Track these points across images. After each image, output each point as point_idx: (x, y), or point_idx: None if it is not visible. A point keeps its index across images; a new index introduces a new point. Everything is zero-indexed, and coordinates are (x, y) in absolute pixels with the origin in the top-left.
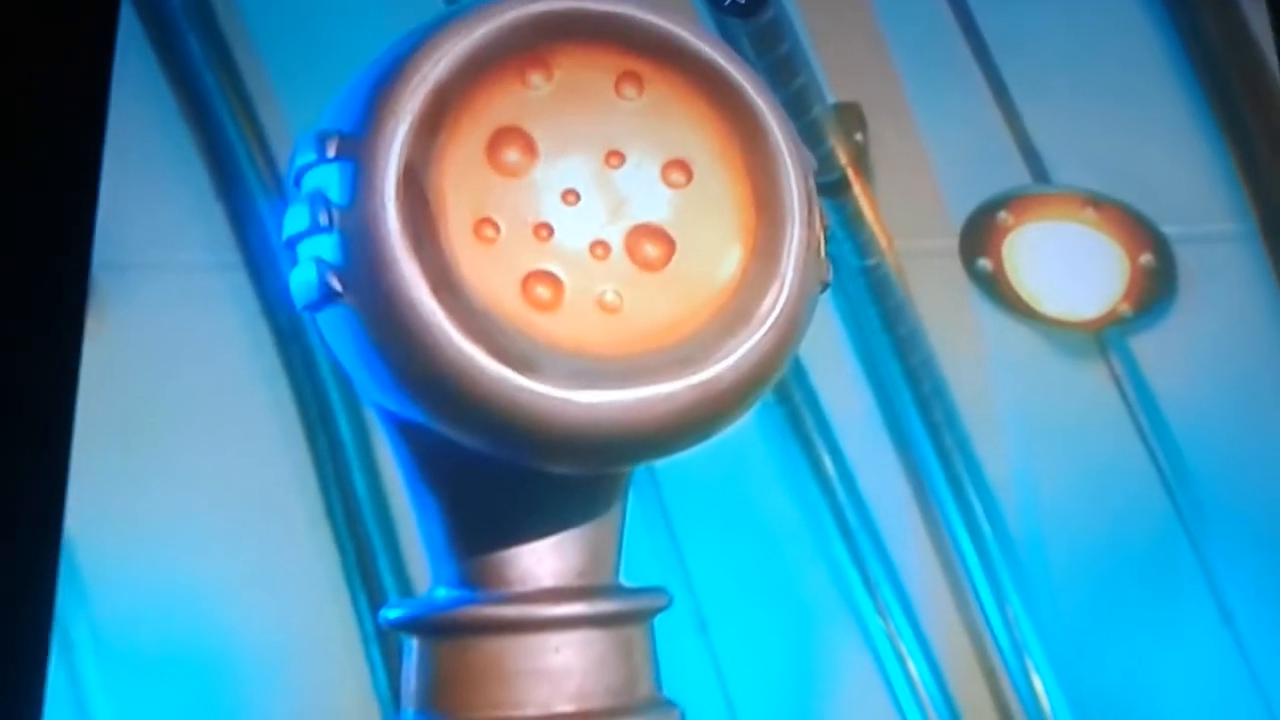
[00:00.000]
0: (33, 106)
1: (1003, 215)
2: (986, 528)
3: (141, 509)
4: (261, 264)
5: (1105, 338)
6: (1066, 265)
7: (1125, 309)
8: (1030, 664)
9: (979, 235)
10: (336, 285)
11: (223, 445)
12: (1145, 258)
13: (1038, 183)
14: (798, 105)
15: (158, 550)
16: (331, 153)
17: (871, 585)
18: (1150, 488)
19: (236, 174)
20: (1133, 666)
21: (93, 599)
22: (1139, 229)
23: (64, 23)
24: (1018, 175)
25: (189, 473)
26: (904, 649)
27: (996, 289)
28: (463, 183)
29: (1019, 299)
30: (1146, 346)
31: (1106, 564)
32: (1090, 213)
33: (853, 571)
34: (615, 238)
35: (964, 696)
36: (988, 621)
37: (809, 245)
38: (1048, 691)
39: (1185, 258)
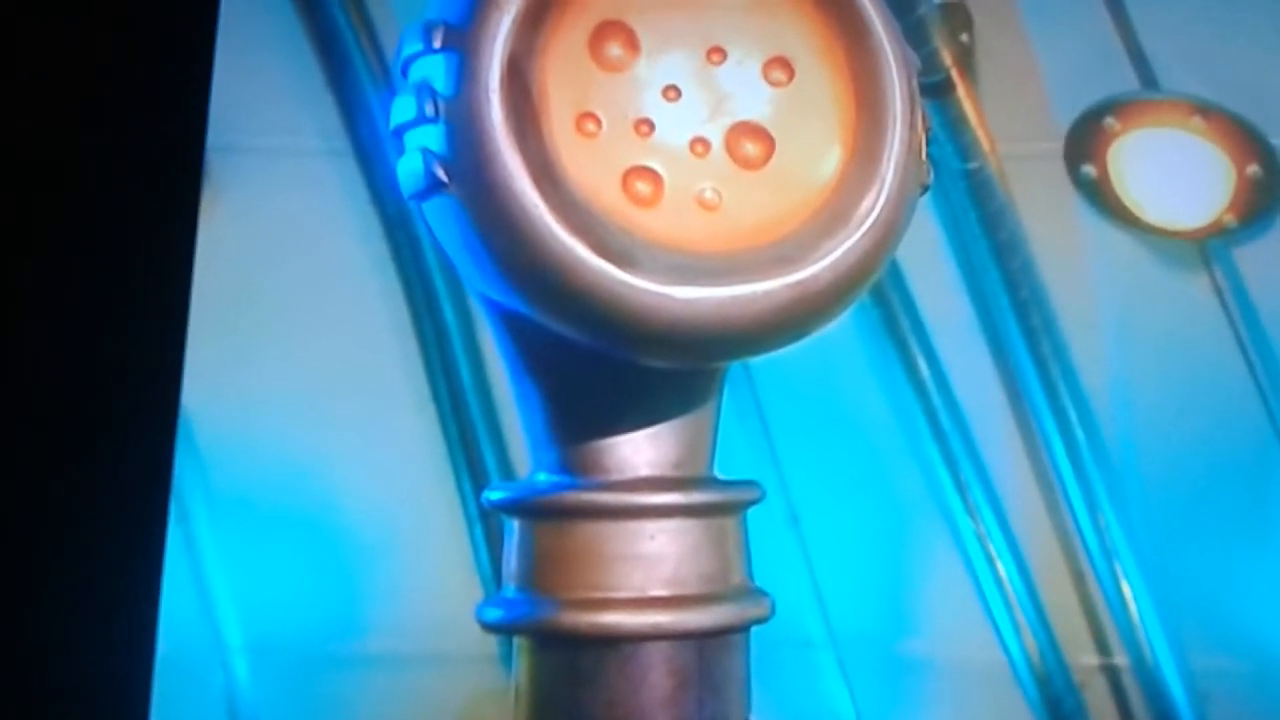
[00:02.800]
0: None
1: (1109, 121)
2: (1080, 433)
3: (254, 385)
4: (370, 151)
5: (1208, 248)
6: (1172, 174)
7: (1230, 219)
8: (1119, 569)
9: (1084, 141)
10: (442, 175)
11: (332, 327)
12: (1252, 169)
13: (1145, 89)
14: (903, 4)
15: (270, 425)
16: (438, 43)
17: (962, 486)
18: (1247, 400)
19: (346, 62)
20: (1222, 575)
21: (208, 470)
22: (1247, 139)
23: None
24: (1125, 81)
25: (300, 352)
26: (993, 549)
27: (1100, 196)
28: (565, 76)
29: (1122, 206)
30: (1250, 258)
31: (1199, 473)
32: (1198, 121)
33: (944, 472)
34: (715, 135)
35: (1051, 598)
36: (1078, 525)
37: (910, 147)
38: (1135, 597)
39: None
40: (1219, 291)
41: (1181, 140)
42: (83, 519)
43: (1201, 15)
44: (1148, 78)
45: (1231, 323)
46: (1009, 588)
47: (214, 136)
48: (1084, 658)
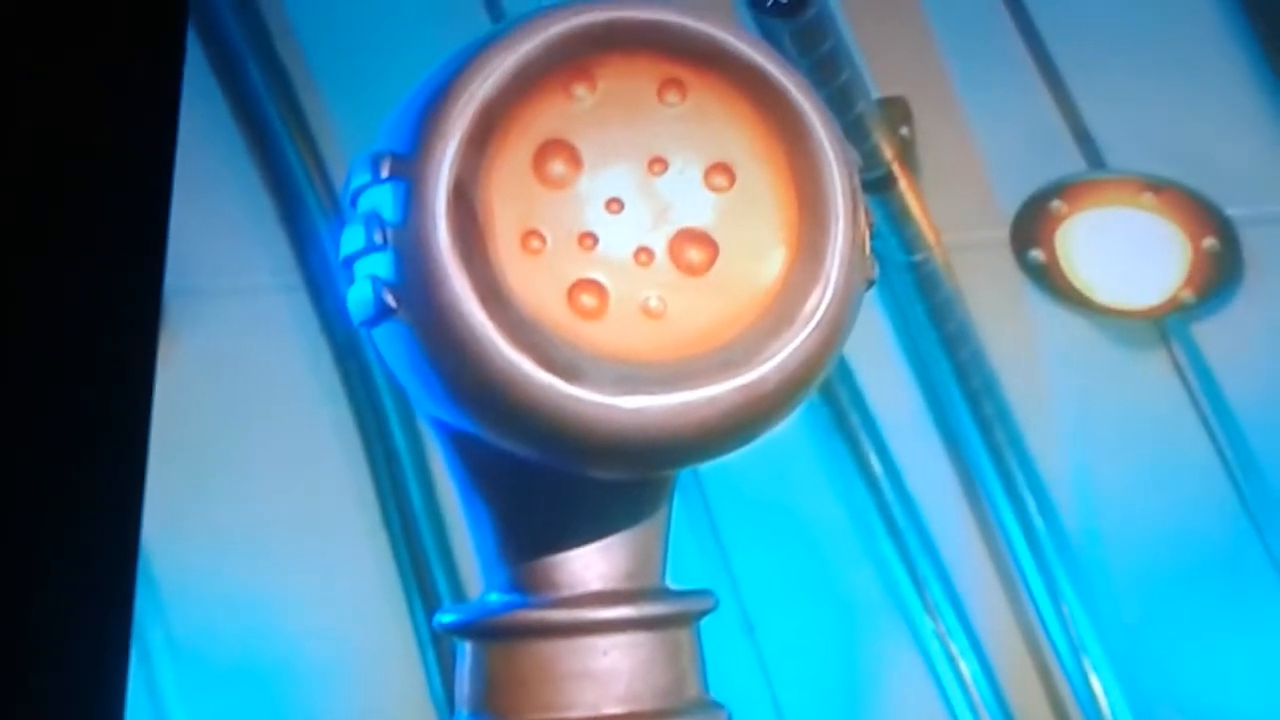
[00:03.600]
0: (104, 140)
1: (1056, 204)
2: (1040, 524)
3: (212, 522)
4: (321, 283)
5: (1166, 326)
6: (1124, 253)
7: (1187, 295)
8: (1088, 663)
9: (1031, 226)
10: (391, 301)
11: (287, 460)
12: (1209, 241)
13: (1093, 169)
14: (842, 102)
15: (228, 561)
16: (385, 173)
17: (920, 584)
18: (1215, 480)
19: (297, 198)
20: (1199, 664)
21: (168, 608)
22: (1201, 212)
23: (132, 58)
24: (1071, 162)
25: (256, 487)
26: (955, 649)
27: (1049, 280)
28: (510, 196)
29: (1073, 289)
30: (1210, 334)
31: (1169, 560)
32: (1149, 197)
33: (901, 570)
34: (659, 244)
35: (1018, 697)
36: (1042, 620)
37: (853, 244)
38: (1107, 692)
39: (1251, 240)
40: (1179, 369)
41: (1132, 218)
42: (44, 665)
43: (1148, 91)
44: (1094, 158)
45: (1194, 401)
46: (973, 688)
47: (171, 280)
48: None
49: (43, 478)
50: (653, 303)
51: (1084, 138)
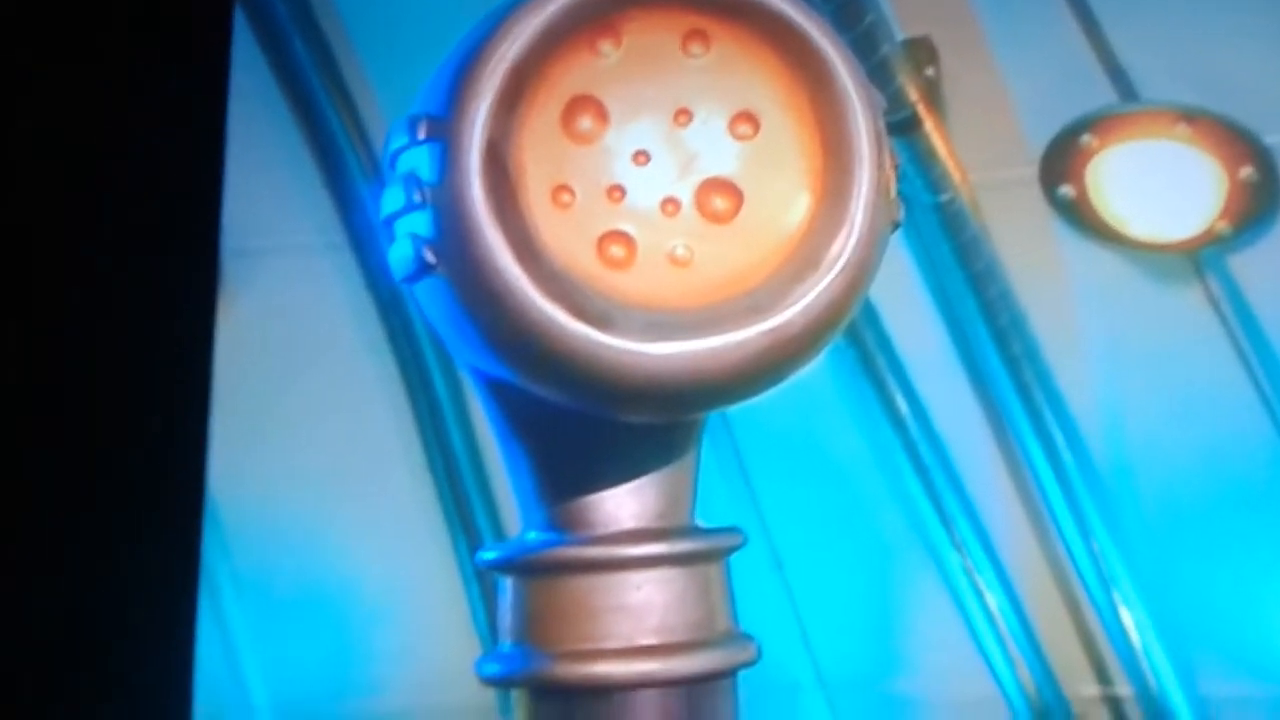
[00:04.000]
0: (161, 115)
1: (1086, 138)
2: (1069, 459)
3: (270, 466)
4: (365, 243)
5: (1201, 258)
6: (1157, 186)
7: (1223, 227)
8: (1117, 595)
9: (1061, 161)
10: (430, 258)
11: (337, 408)
12: (1245, 171)
13: (1125, 101)
14: (866, 45)
15: (285, 503)
16: (422, 135)
17: (947, 520)
18: (1251, 411)
19: (340, 162)
20: (1233, 595)
21: (232, 546)
22: (1238, 141)
23: (185, 36)
24: (1103, 96)
25: (309, 434)
26: (982, 582)
27: (1079, 216)
28: (540, 153)
29: (1104, 224)
30: (1247, 264)
31: (1203, 490)
32: (1183, 128)
33: (927, 506)
34: (685, 194)
35: (1045, 629)
36: (1070, 553)
37: (878, 187)
38: (1136, 623)
39: None
40: (1214, 302)
41: (1166, 150)
42: (125, 599)
43: (1180, 20)
44: (1126, 90)
45: (1230, 333)
46: (1000, 621)
47: (227, 242)
48: (1083, 689)
49: (114, 428)
50: (680, 251)
51: (1116, 70)
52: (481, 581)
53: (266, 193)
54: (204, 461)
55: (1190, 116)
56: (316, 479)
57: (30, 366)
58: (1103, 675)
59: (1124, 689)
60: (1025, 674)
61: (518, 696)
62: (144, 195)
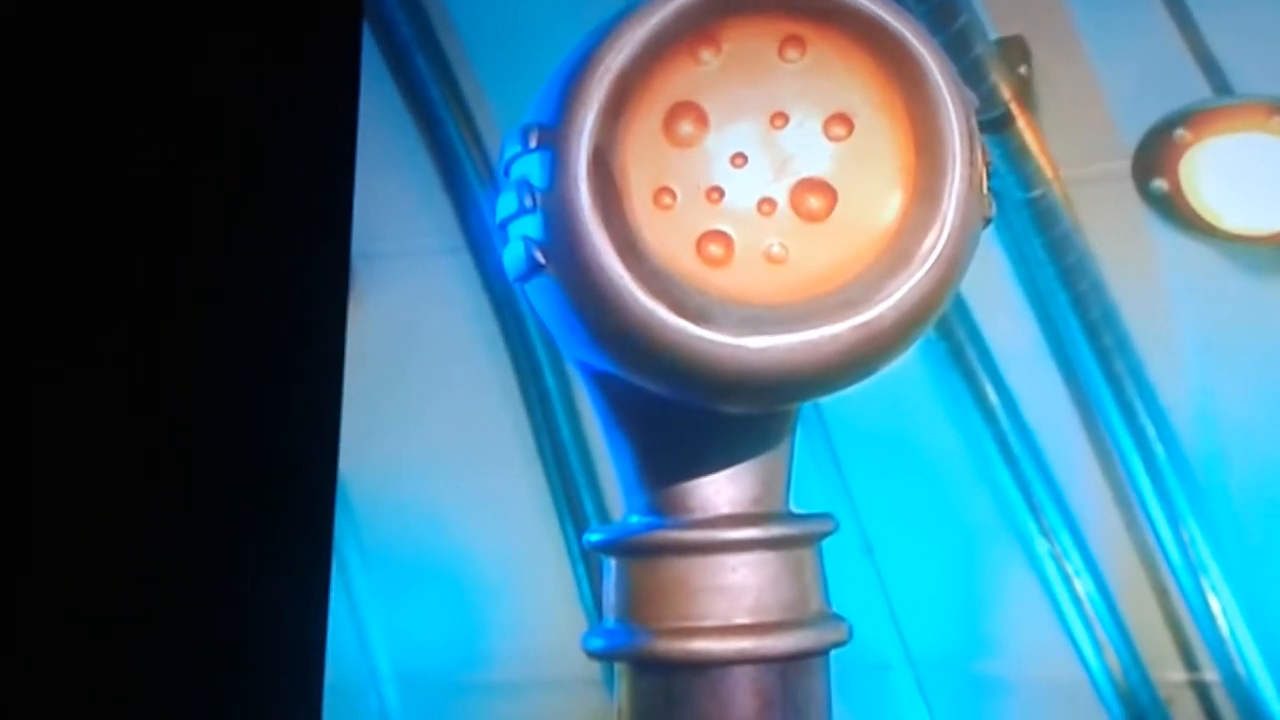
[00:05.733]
0: (297, 127)
1: (1180, 133)
2: (1159, 449)
3: (395, 453)
4: (481, 245)
5: None
6: (1250, 178)
7: None
8: (1206, 583)
9: (1154, 156)
10: (540, 258)
11: (457, 399)
12: None
13: (1218, 95)
14: (959, 45)
15: (409, 485)
16: (533, 143)
17: (1036, 508)
18: None
19: (459, 170)
20: None
21: (361, 527)
22: None
23: (317, 54)
24: (1196, 89)
25: (430, 423)
26: (1070, 568)
27: (1173, 209)
28: (643, 158)
29: (1198, 217)
30: None
31: None
32: (1277, 121)
33: (1016, 495)
34: (780, 194)
35: (1133, 614)
36: (1159, 541)
37: (970, 183)
38: (1224, 610)
39: None
40: None
41: (1261, 143)
42: (262, 573)
43: (1275, 12)
44: (1220, 84)
45: None
46: (1088, 605)
47: (357, 245)
48: (1170, 673)
49: (256, 420)
50: (775, 249)
51: (1209, 64)
52: (588, 562)
53: (391, 199)
54: (336, 447)
55: None
56: (436, 464)
57: (173, 362)
58: (1190, 661)
59: (1211, 674)
60: (1113, 658)
61: (620, 670)
62: (281, 202)
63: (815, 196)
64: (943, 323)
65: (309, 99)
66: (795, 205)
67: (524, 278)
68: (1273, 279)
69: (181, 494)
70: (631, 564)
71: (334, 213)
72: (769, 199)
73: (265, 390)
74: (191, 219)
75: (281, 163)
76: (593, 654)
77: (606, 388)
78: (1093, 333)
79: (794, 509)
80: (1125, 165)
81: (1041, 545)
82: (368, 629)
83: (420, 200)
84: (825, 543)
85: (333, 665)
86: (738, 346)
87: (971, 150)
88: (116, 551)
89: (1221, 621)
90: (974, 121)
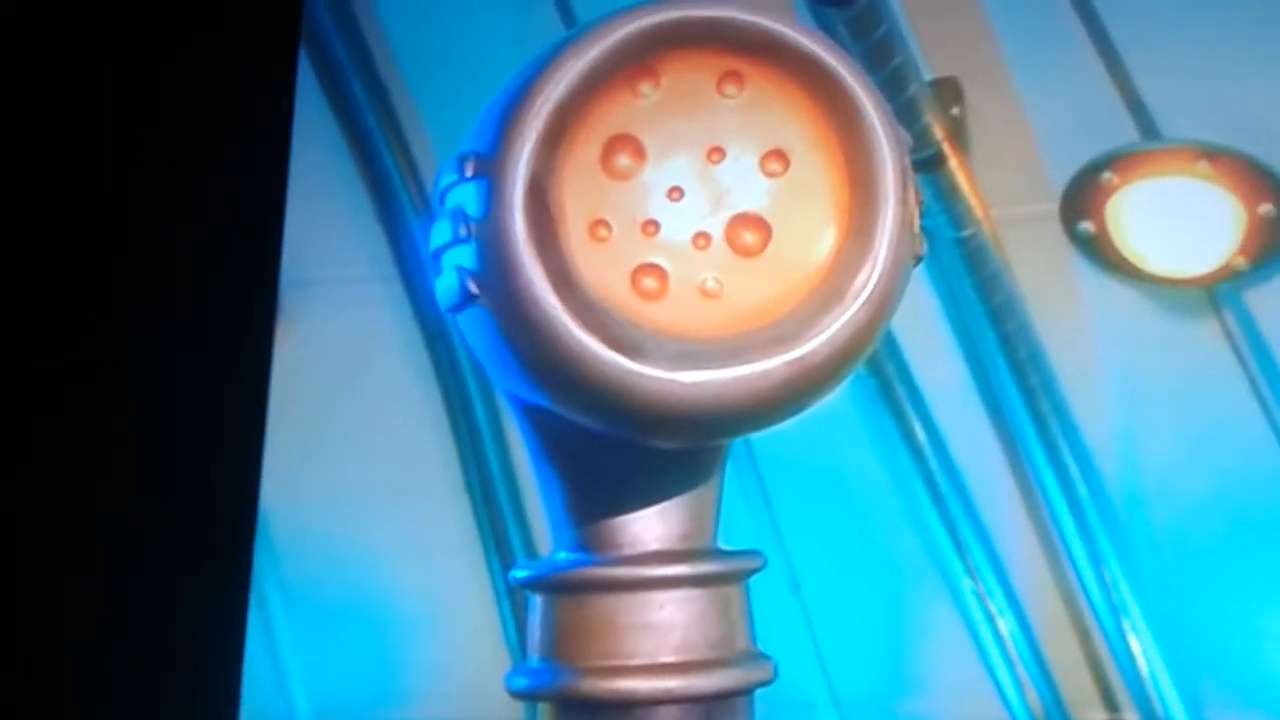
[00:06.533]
0: (228, 152)
1: (1107, 175)
2: (1082, 489)
3: (319, 484)
4: (414, 275)
5: (1217, 294)
6: (1176, 222)
7: (1240, 262)
8: (1128, 625)
9: (1081, 198)
10: (474, 289)
11: (385, 431)
12: (1265, 208)
13: (1146, 139)
14: (894, 85)
15: (333, 519)
16: (469, 172)
17: (961, 546)
18: (1265, 445)
19: (393, 198)
20: (1243, 627)
21: (281, 560)
22: (1258, 178)
23: (250, 79)
24: (1125, 133)
25: (356, 454)
26: (994, 608)
27: (1099, 251)
28: (580, 189)
29: (1123, 259)
30: (1264, 300)
31: (1215, 526)
32: (1204, 165)
33: (943, 534)
34: (716, 228)
35: (1055, 655)
36: (1082, 582)
37: (903, 222)
38: (1145, 652)
39: None
40: (1229, 336)
41: (1186, 187)
42: (178, 608)
43: (1203, 58)
44: (1148, 127)
45: (1245, 368)
46: (1011, 646)
47: (287, 273)
48: (1091, 714)
49: (174, 447)
50: (710, 284)
51: (1138, 108)
52: (513, 598)
53: (324, 226)
54: (258, 477)
55: (1211, 154)
56: (361, 496)
57: (96, 386)
58: (1110, 702)
59: (1131, 716)
60: (1034, 698)
61: (544, 710)
62: (211, 226)
63: (750, 232)
64: (873, 360)
65: (242, 122)
66: (730, 240)
67: (457, 308)
68: (1197, 321)
69: (95, 523)
70: (558, 601)
71: (264, 239)
72: (704, 233)
73: (187, 420)
74: (118, 241)
75: (212, 187)
76: (516, 693)
77: (537, 421)
78: (1019, 372)
79: (722, 545)
80: (1054, 207)
81: (966, 584)
82: (285, 667)
83: (353, 228)
84: (752, 580)
85: (248, 704)
86: (670, 381)
87: (905, 189)
88: (23, 586)
89: (1142, 662)
90: (908, 161)
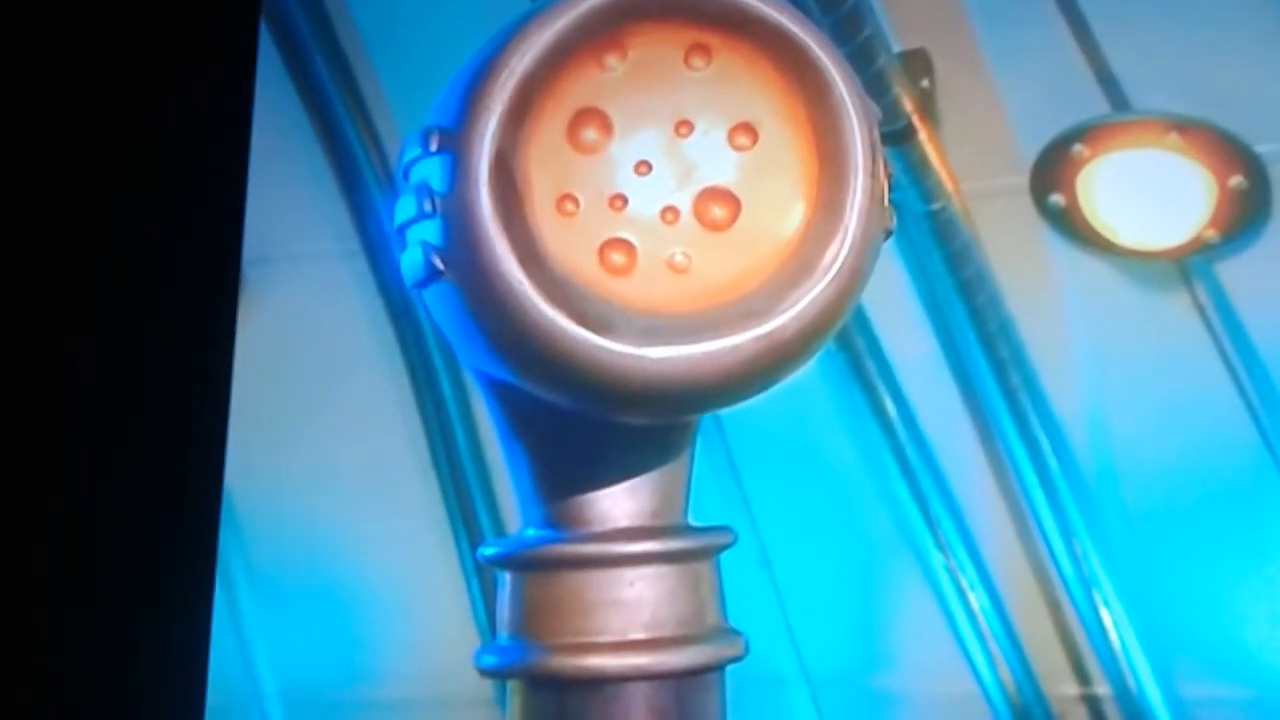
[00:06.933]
0: (187, 127)
1: (1078, 148)
2: (1053, 462)
3: (284, 464)
4: (378, 250)
5: (1188, 266)
6: (1147, 194)
7: (1211, 234)
8: (1098, 597)
9: (1051, 171)
10: (439, 264)
11: (348, 408)
12: (1235, 180)
13: (1117, 111)
14: (863, 58)
15: (299, 498)
16: (434, 146)
17: (932, 521)
18: (1235, 416)
19: (357, 173)
20: (1214, 599)
21: (247, 540)
22: (1229, 150)
23: (210, 51)
24: (1095, 105)
25: (322, 432)
26: (965, 582)
27: (1069, 224)
28: (546, 163)
29: (1094, 232)
30: (1234, 272)
31: (1186, 495)
32: (1174, 138)
33: (913, 509)
34: (684, 202)
35: (1026, 629)
36: (1052, 555)
37: (872, 195)
38: (1116, 624)
39: None
40: (1200, 309)
41: (1157, 159)
42: (143, 587)
43: (1173, 31)
44: (1118, 100)
45: (1215, 339)
46: (982, 620)
47: (249, 249)
48: (1063, 688)
49: (137, 427)
50: (678, 258)
51: (1108, 80)
52: (482, 576)
53: (286, 202)
54: (222, 458)
55: (1182, 126)
56: (327, 476)
57: (56, 366)
58: (1082, 675)
59: (1103, 688)
60: (1005, 672)
61: (513, 687)
62: (170, 202)
63: (719, 206)
64: (843, 334)
65: (202, 97)
66: (699, 214)
67: (422, 284)
68: (1167, 294)
69: (59, 502)
70: (527, 578)
71: (226, 215)
72: (672, 207)
73: (149, 400)
74: (76, 217)
75: (172, 162)
76: (485, 671)
77: (504, 397)
78: (990, 345)
79: (692, 522)
80: (1023, 180)
81: (937, 559)
82: (252, 645)
83: (316, 203)
84: (723, 556)
85: (215, 683)
86: (639, 356)
87: (874, 162)
88: None
89: (1113, 635)
90: (877, 134)
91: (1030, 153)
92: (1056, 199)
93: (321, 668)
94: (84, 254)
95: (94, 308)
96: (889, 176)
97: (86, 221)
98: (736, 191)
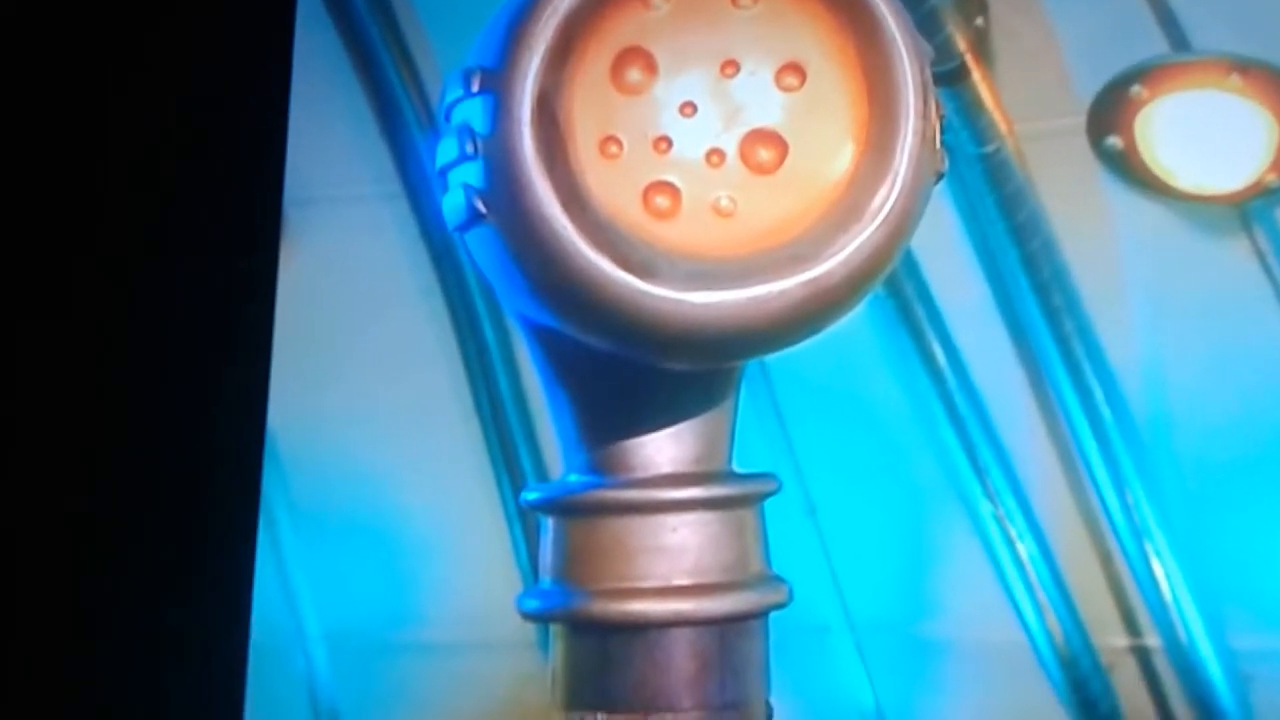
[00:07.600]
0: (228, 70)
1: (1136, 89)
2: (1106, 411)
3: (327, 406)
4: (419, 192)
5: (1248, 210)
6: (1206, 137)
7: (1272, 179)
8: (1150, 548)
9: (1109, 112)
10: (481, 207)
11: (390, 351)
12: None
13: (1176, 52)
14: None
15: (341, 440)
16: (475, 87)
17: (981, 470)
18: None
19: (398, 115)
20: (1267, 551)
21: (290, 480)
22: None
23: None
24: (1154, 45)
25: (364, 375)
26: (1014, 531)
27: (1127, 167)
28: (589, 104)
29: (1152, 176)
30: None
31: (1241, 446)
32: (1235, 79)
33: (961, 457)
34: (730, 145)
35: (1076, 579)
36: (1104, 505)
37: (923, 137)
38: (1168, 576)
39: None
40: (1260, 255)
41: (1218, 101)
42: (187, 528)
43: None
44: (1178, 40)
45: (1275, 286)
46: (1030, 569)
47: (290, 191)
48: (1112, 639)
49: (183, 369)
50: (724, 202)
51: (1168, 20)
52: (524, 521)
53: (328, 144)
54: (265, 399)
55: (1243, 67)
56: (370, 418)
57: (101, 307)
58: (1132, 626)
59: (1153, 640)
60: (1054, 622)
61: (556, 631)
62: (212, 146)
63: (765, 148)
64: (891, 279)
65: (241, 38)
66: (745, 157)
67: (464, 227)
68: (1227, 239)
69: (106, 447)
70: (570, 523)
71: (267, 157)
72: (718, 150)
73: (192, 343)
74: (117, 163)
75: (212, 105)
76: (528, 615)
77: (547, 342)
78: (1042, 292)
79: (736, 468)
80: (1080, 121)
81: (985, 508)
82: (295, 587)
83: (357, 145)
84: (767, 503)
85: (259, 624)
86: (682, 301)
87: (925, 104)
88: (33, 510)
89: (1164, 587)
90: (928, 74)
91: (1087, 94)
92: (1114, 141)
93: (365, 610)
94: (126, 197)
95: (138, 249)
96: (941, 118)
97: (127, 163)
98: (784, 133)
